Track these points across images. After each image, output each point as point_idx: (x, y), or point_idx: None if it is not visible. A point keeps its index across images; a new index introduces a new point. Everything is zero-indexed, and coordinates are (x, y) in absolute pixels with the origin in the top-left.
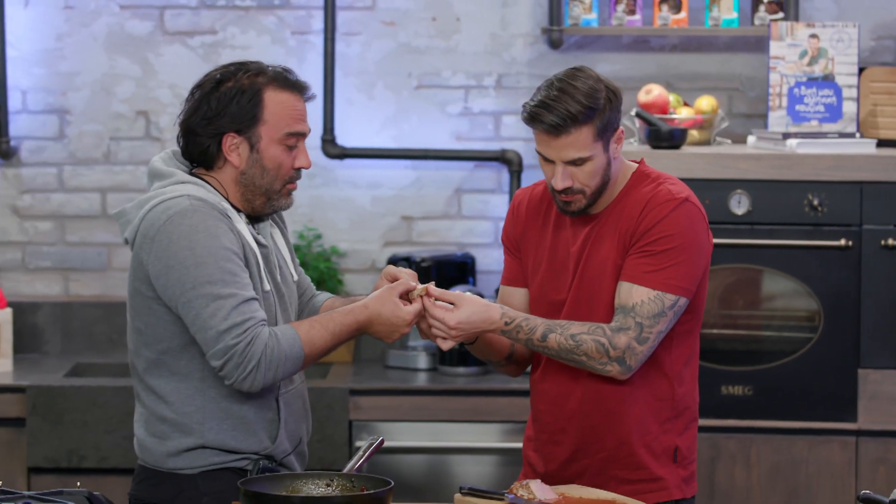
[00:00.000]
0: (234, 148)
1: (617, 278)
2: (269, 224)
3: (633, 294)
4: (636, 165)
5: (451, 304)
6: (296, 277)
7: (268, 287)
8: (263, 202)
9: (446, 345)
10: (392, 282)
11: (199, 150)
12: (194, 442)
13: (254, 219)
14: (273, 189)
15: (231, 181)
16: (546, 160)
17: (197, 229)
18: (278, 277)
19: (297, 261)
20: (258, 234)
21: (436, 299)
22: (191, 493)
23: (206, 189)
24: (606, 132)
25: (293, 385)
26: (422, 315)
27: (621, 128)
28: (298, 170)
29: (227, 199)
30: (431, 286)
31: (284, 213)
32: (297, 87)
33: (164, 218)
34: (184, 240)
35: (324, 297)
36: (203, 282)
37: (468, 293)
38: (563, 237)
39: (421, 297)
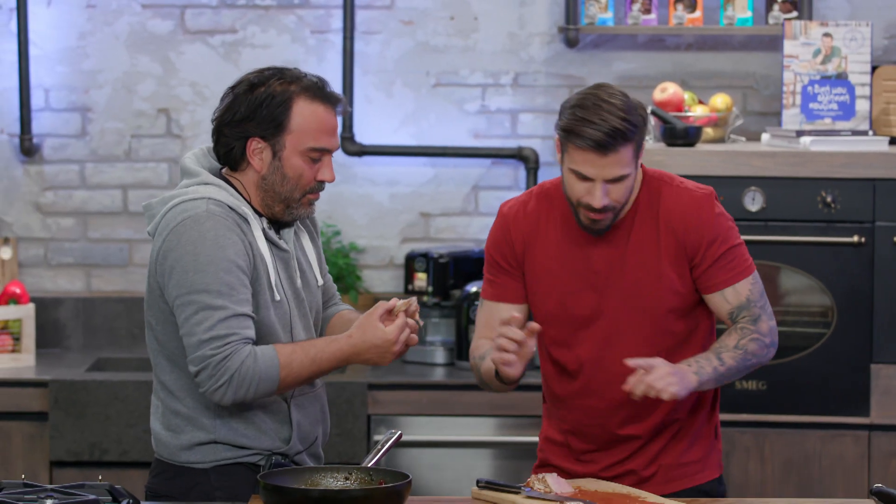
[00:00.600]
0: (258, 152)
1: (666, 289)
2: (294, 229)
3: (739, 292)
4: (640, 169)
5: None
6: (321, 282)
7: (278, 297)
8: (282, 209)
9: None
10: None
11: (225, 150)
12: (206, 437)
13: (279, 222)
14: (292, 198)
15: (253, 184)
16: (582, 178)
17: (205, 237)
18: (298, 283)
19: (326, 267)
20: (280, 238)
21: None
22: (204, 487)
23: (228, 192)
24: (641, 148)
25: (311, 389)
26: (406, 333)
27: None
28: (321, 182)
29: (248, 202)
30: (414, 300)
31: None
32: (330, 100)
33: (180, 219)
34: (190, 245)
35: (339, 308)
36: (199, 289)
37: (650, 360)
38: (578, 251)
39: (403, 311)
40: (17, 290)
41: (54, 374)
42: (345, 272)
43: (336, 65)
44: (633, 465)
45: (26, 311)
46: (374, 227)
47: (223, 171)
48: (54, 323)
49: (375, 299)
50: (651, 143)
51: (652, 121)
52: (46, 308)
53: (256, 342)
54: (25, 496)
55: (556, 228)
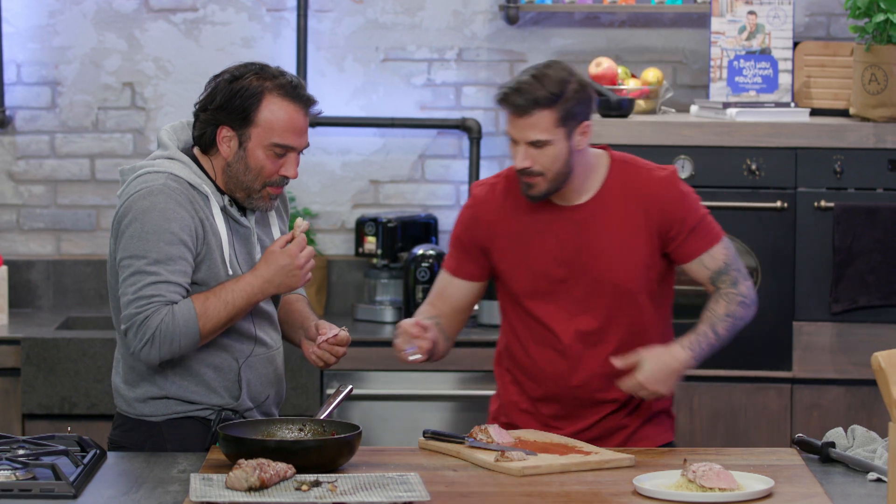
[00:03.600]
0: (226, 140)
1: (638, 263)
2: (263, 212)
3: (716, 257)
4: (605, 153)
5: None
6: None
7: (231, 272)
8: (244, 196)
9: (663, 393)
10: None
11: (198, 133)
12: (158, 392)
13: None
14: (253, 188)
15: (219, 168)
16: (512, 141)
17: (155, 208)
18: (257, 257)
19: None
20: (242, 215)
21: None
22: (157, 438)
23: (191, 168)
24: (570, 121)
25: (266, 350)
26: (307, 251)
27: (588, 123)
28: (284, 177)
29: (214, 182)
30: (307, 223)
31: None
32: (301, 100)
33: (136, 189)
34: (141, 213)
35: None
36: (138, 254)
37: (644, 350)
38: (549, 229)
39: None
40: None
41: (26, 332)
42: None
43: (290, 41)
44: (598, 431)
45: None
46: (326, 193)
47: (194, 149)
48: (26, 284)
49: (328, 262)
50: None
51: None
52: (19, 270)
53: None
54: None
55: (525, 209)
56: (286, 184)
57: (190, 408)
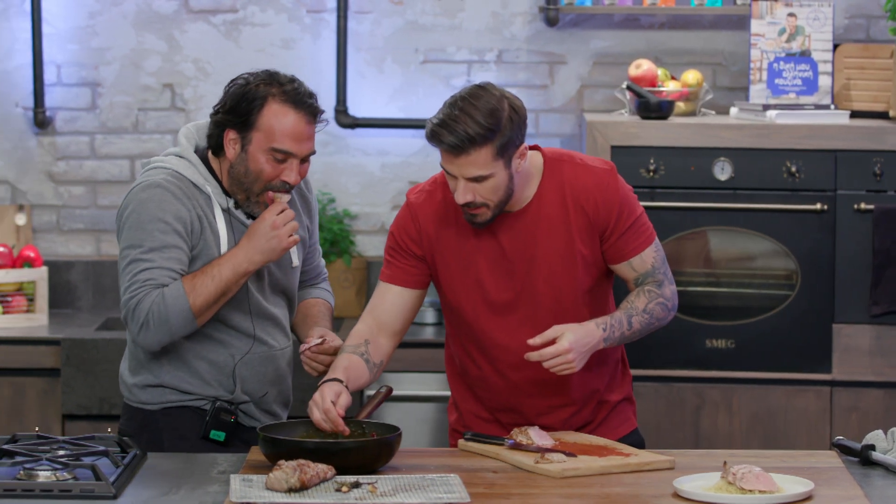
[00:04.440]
0: (231, 143)
1: (579, 265)
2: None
3: (645, 260)
4: (538, 152)
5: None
6: (294, 263)
7: None
8: (243, 199)
9: (576, 369)
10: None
11: (209, 134)
12: (154, 380)
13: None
14: (252, 191)
15: (225, 170)
16: (449, 174)
17: (152, 200)
18: None
19: (318, 249)
20: (248, 218)
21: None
22: (152, 427)
23: (196, 169)
24: (507, 150)
25: (266, 349)
26: (284, 214)
27: (525, 144)
28: (286, 182)
29: (220, 184)
30: (287, 196)
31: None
32: (305, 108)
33: (138, 182)
34: (139, 205)
35: (317, 291)
36: (134, 244)
37: (555, 326)
38: (490, 238)
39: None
40: (32, 255)
41: (66, 332)
42: (339, 237)
43: (330, 42)
44: (564, 430)
45: (40, 274)
46: (365, 194)
47: (209, 151)
48: (66, 285)
49: (367, 263)
50: (626, 117)
51: (627, 95)
52: (59, 271)
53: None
54: (39, 447)
55: (464, 220)
56: (289, 189)
57: (185, 397)
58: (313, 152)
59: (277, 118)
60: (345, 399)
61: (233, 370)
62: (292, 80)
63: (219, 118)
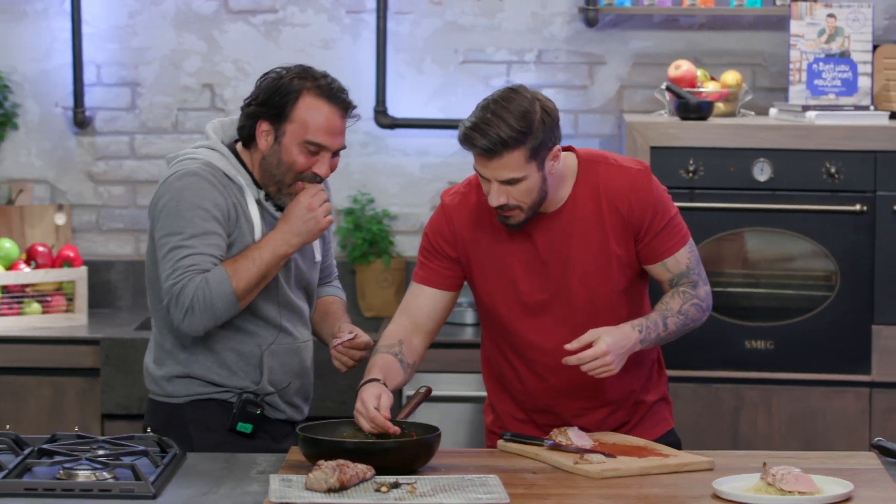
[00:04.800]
0: (264, 134)
1: (614, 266)
2: None
3: (679, 261)
4: (573, 153)
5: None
6: (318, 259)
7: None
8: (275, 190)
9: (614, 371)
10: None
11: (240, 126)
12: (182, 370)
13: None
14: (284, 182)
15: (257, 161)
16: (483, 177)
17: (189, 188)
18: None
19: (331, 248)
20: (277, 210)
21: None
22: (178, 421)
23: (228, 161)
24: (540, 152)
25: (291, 340)
26: (319, 195)
27: (557, 146)
28: (316, 175)
29: (251, 175)
30: (348, 337)
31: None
32: (338, 102)
33: (172, 171)
34: (177, 192)
35: (331, 289)
36: (174, 231)
37: (591, 329)
38: (525, 240)
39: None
40: (71, 254)
41: (105, 332)
42: (378, 237)
43: (370, 43)
44: (601, 432)
45: (79, 274)
46: (405, 195)
47: (237, 144)
48: (105, 284)
49: (406, 263)
50: (665, 117)
51: (667, 96)
52: (98, 270)
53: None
54: (79, 447)
55: (498, 222)
56: (319, 181)
57: (212, 389)
58: (344, 147)
59: (311, 111)
60: (386, 399)
61: (260, 360)
62: (325, 74)
63: (251, 110)
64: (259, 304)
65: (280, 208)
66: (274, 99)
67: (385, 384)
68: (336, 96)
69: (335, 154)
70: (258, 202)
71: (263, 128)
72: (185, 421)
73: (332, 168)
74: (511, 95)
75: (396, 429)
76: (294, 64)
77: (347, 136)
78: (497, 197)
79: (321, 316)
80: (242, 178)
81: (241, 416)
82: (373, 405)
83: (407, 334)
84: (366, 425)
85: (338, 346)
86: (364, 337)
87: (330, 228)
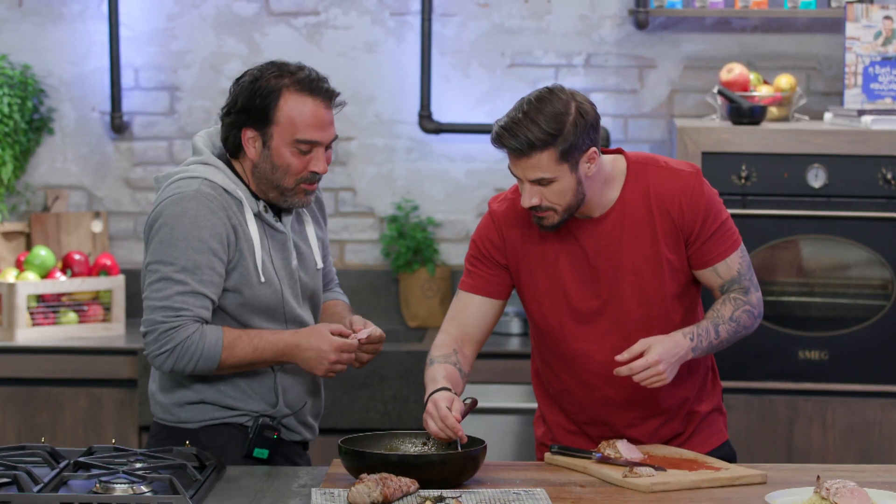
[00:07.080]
0: (251, 142)
1: (666, 271)
2: (299, 213)
3: (730, 267)
4: (622, 156)
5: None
6: (320, 266)
7: (263, 279)
8: (278, 196)
9: (667, 380)
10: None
11: (224, 138)
12: (194, 396)
13: (279, 207)
14: (284, 186)
15: (249, 171)
16: (517, 177)
17: (186, 215)
18: (294, 263)
19: (329, 252)
20: (278, 221)
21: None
22: (194, 446)
23: (225, 174)
24: (572, 154)
25: None
26: (346, 356)
27: (594, 149)
28: (314, 173)
29: (248, 186)
30: (379, 333)
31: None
32: (321, 94)
33: (169, 194)
34: (172, 219)
35: (334, 294)
36: (166, 261)
37: (642, 339)
38: (574, 245)
39: (359, 338)
40: (108, 262)
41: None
42: (422, 245)
43: (414, 46)
44: (653, 443)
45: (116, 283)
46: (450, 201)
47: (228, 154)
48: None
49: (452, 272)
50: (717, 122)
51: (719, 100)
52: (135, 279)
53: (249, 318)
54: (116, 460)
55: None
56: (318, 180)
57: (227, 413)
58: (336, 136)
59: (296, 109)
60: (458, 405)
61: (274, 381)
62: (301, 66)
63: (232, 118)
64: (264, 325)
65: (279, 214)
66: (254, 102)
67: (456, 393)
68: (318, 87)
69: (328, 147)
70: (257, 216)
71: (249, 135)
72: (201, 447)
73: (327, 162)
74: (547, 96)
75: (464, 435)
76: (264, 63)
77: (391, 141)
78: (529, 197)
79: (327, 319)
80: (241, 192)
81: (258, 441)
82: (445, 405)
83: (459, 344)
84: (434, 427)
85: (362, 340)
86: (378, 330)
87: (326, 235)
